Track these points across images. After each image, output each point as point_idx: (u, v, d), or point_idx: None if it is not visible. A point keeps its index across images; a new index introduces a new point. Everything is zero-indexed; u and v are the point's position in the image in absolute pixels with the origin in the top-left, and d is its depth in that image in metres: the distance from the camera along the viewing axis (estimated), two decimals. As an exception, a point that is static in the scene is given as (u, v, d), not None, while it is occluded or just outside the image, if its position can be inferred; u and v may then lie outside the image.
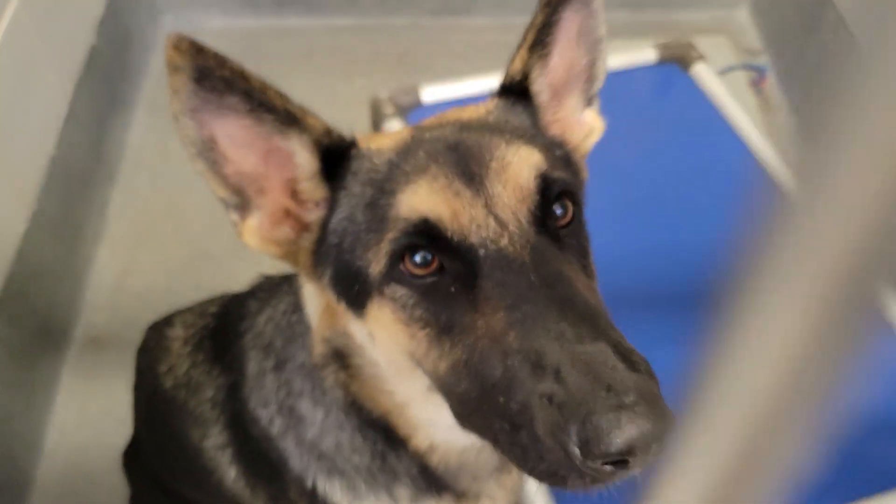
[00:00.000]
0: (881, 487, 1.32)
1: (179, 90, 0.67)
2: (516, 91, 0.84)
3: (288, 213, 0.78)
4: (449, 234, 0.68)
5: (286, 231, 0.78)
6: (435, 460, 0.85)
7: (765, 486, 0.26)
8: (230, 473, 1.01)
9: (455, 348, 0.68)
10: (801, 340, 0.22)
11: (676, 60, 1.95)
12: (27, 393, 1.69)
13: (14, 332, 1.63)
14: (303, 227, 0.78)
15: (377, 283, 0.71)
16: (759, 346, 0.23)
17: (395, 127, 1.72)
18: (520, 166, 0.72)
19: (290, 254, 0.79)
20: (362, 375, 0.82)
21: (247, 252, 0.84)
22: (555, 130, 0.86)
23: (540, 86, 0.85)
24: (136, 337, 1.87)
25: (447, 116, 0.83)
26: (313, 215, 0.77)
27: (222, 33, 2.65)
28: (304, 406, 0.88)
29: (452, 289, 0.68)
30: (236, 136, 0.72)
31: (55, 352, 1.83)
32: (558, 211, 0.73)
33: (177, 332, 1.12)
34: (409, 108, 1.78)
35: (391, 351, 0.74)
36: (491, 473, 0.89)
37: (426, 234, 0.68)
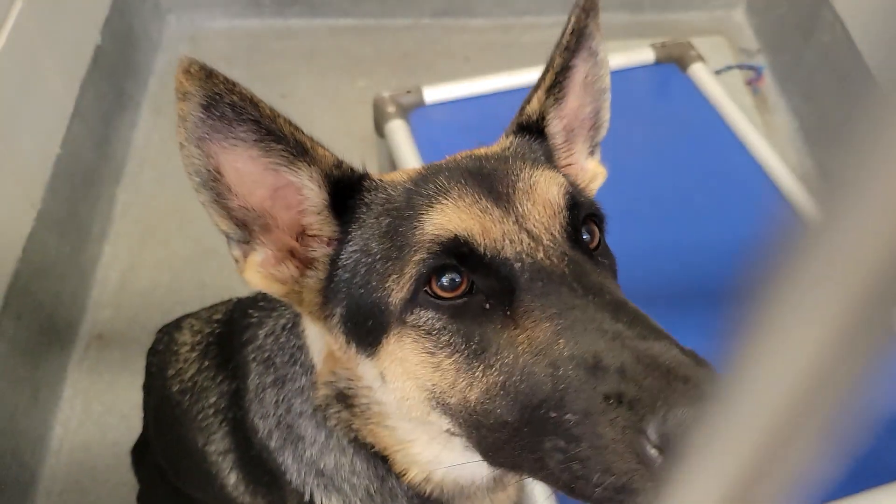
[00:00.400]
0: (877, 482, 1.34)
1: (187, 117, 0.64)
2: (532, 131, 0.84)
3: (293, 252, 0.75)
4: (482, 249, 0.65)
5: (290, 269, 0.75)
6: (429, 489, 0.84)
7: (782, 488, 0.27)
8: (231, 479, 1.01)
9: (490, 371, 0.63)
10: (819, 350, 0.23)
11: (674, 60, 1.96)
12: (33, 389, 1.71)
13: (20, 330, 1.65)
14: (307, 264, 0.75)
15: (398, 311, 0.67)
16: (779, 353, 0.24)
17: (398, 127, 1.73)
18: (548, 185, 0.71)
19: (293, 293, 0.75)
20: (366, 414, 0.79)
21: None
22: (566, 172, 0.86)
23: (555, 128, 0.86)
24: (141, 334, 1.89)
25: (460, 154, 0.82)
26: (319, 252, 0.74)
27: (225, 34, 2.67)
28: (305, 426, 0.87)
29: (487, 306, 0.65)
30: (243, 168, 0.69)
31: (61, 349, 1.85)
32: (585, 236, 0.73)
33: (185, 337, 1.13)
34: (412, 108, 1.79)
35: (407, 390, 0.69)
36: (485, 494, 0.89)
37: (456, 252, 0.65)
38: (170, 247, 2.10)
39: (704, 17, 2.76)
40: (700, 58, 1.94)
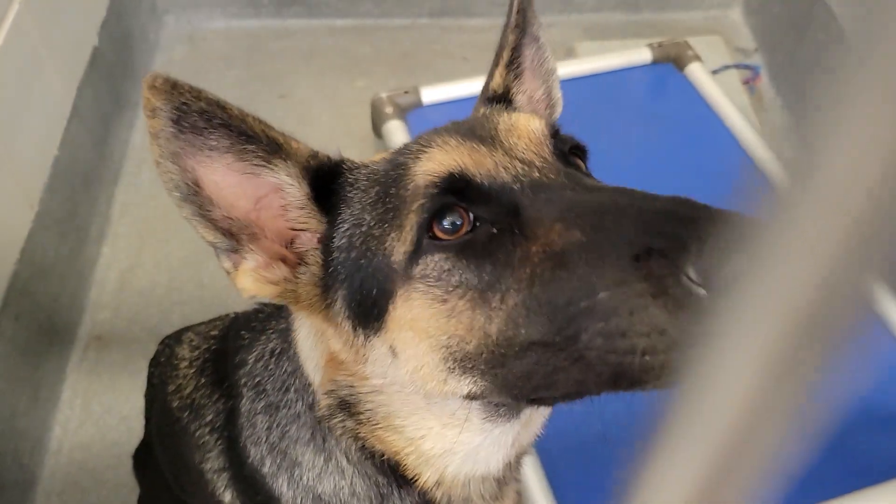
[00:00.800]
0: (873, 480, 1.34)
1: (159, 134, 0.64)
2: (501, 102, 0.88)
3: (283, 258, 0.75)
4: (478, 179, 0.65)
5: (282, 269, 0.73)
6: (439, 495, 0.83)
7: (750, 484, 0.26)
8: (226, 497, 1.01)
9: (508, 295, 0.61)
10: (785, 336, 0.23)
11: (671, 60, 1.97)
12: (32, 390, 1.71)
13: (19, 330, 1.65)
14: (297, 260, 0.74)
15: (403, 268, 0.65)
16: (744, 341, 0.23)
17: (396, 127, 1.74)
18: (528, 121, 0.73)
19: (287, 292, 0.74)
20: (373, 420, 0.78)
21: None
22: None
23: (520, 102, 0.90)
24: (140, 335, 1.90)
25: None
26: (308, 246, 0.74)
27: (223, 34, 2.67)
28: (302, 452, 0.86)
29: (494, 231, 0.64)
30: (222, 180, 0.68)
31: (60, 349, 1.85)
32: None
33: (184, 352, 1.13)
34: (409, 108, 1.80)
35: (421, 355, 0.67)
36: (489, 502, 0.89)
37: (453, 189, 0.65)
38: (168, 247, 2.10)
39: (701, 16, 2.77)
40: (697, 57, 1.95)
